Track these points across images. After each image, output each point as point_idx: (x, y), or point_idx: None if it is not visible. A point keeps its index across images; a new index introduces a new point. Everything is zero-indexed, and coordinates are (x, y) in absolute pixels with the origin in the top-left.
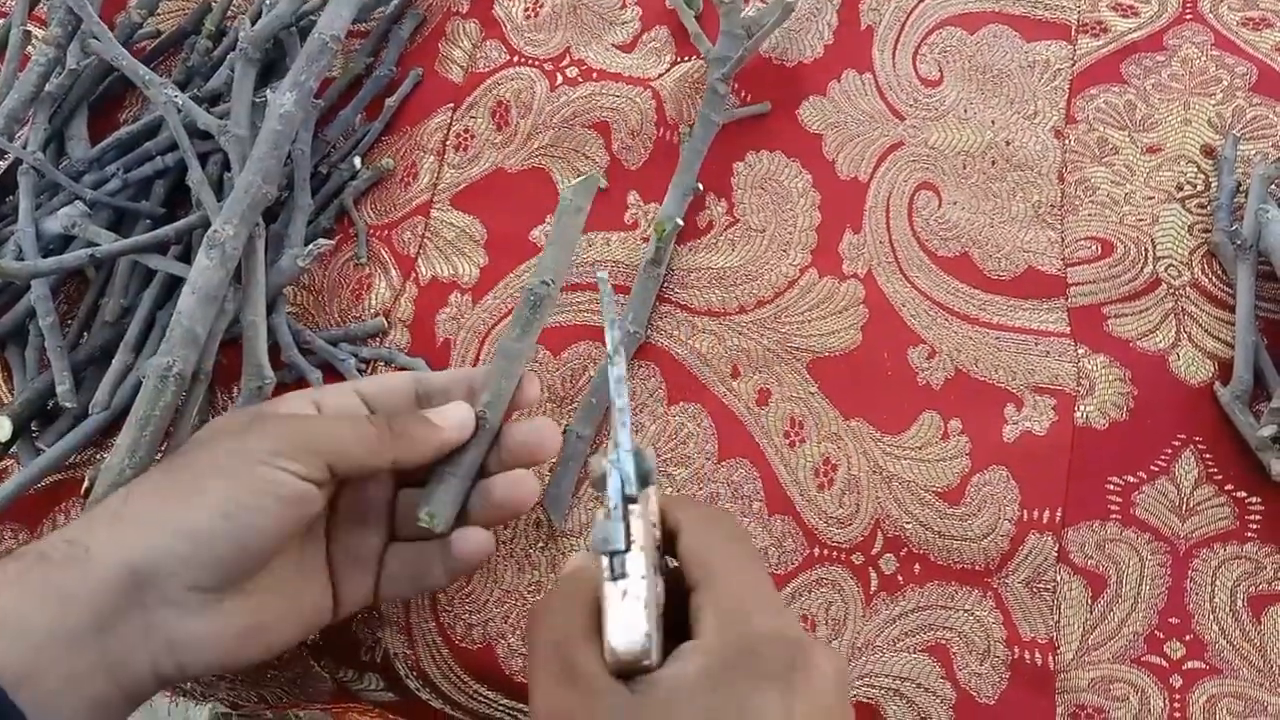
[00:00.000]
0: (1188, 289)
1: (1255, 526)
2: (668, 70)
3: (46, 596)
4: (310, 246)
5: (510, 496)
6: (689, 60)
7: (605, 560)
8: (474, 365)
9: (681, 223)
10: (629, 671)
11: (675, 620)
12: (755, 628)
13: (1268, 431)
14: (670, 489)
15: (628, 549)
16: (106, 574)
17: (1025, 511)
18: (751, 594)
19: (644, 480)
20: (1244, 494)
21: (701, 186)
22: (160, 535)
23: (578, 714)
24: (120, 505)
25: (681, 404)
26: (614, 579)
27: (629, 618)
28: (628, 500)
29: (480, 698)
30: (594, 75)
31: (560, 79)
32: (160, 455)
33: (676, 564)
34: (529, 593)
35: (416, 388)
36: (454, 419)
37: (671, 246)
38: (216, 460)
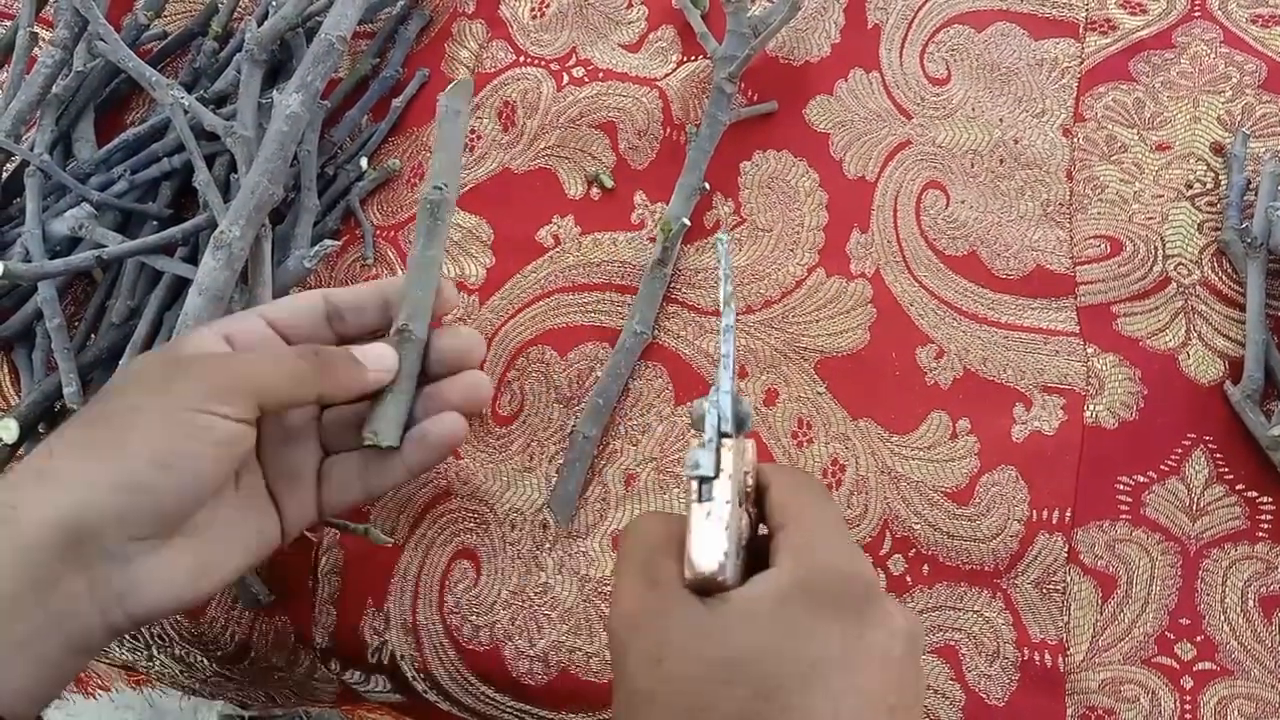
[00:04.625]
0: (1197, 287)
1: (1266, 526)
2: (674, 70)
3: None
4: (317, 247)
5: (443, 437)
6: (695, 60)
7: (694, 484)
8: (480, 369)
9: (688, 223)
10: (706, 588)
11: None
12: (831, 563)
13: (1279, 430)
14: (676, 489)
15: (716, 476)
16: (39, 534)
17: (1035, 512)
18: (829, 535)
19: (740, 423)
20: (1255, 494)
21: (708, 186)
22: (93, 491)
23: (653, 618)
24: (44, 462)
25: (688, 404)
26: (700, 501)
27: (710, 537)
28: (721, 435)
29: (487, 699)
30: (600, 75)
31: (566, 79)
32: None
33: (766, 532)
34: (536, 595)
35: (325, 305)
36: (378, 360)
37: (678, 246)
38: (143, 409)
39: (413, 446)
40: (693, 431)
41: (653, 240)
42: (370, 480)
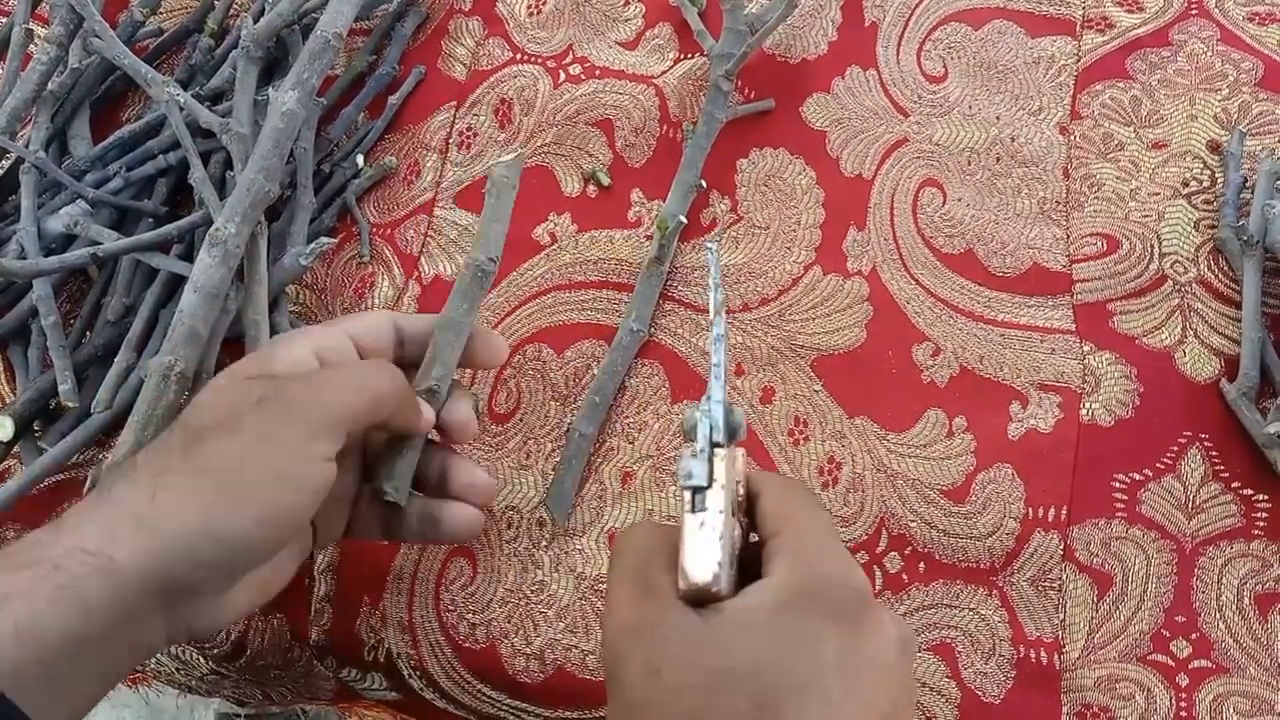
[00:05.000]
0: (1194, 285)
1: (1262, 524)
2: (671, 67)
3: (68, 608)
4: (313, 245)
5: (455, 527)
6: (692, 58)
7: (687, 494)
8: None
9: (684, 220)
10: (700, 599)
11: (748, 580)
12: (825, 571)
13: (1274, 428)
14: (672, 487)
15: (709, 485)
16: (137, 586)
17: (1030, 509)
18: (824, 544)
19: (732, 433)
20: (1250, 491)
21: (705, 184)
22: (195, 549)
23: (648, 628)
24: (146, 508)
25: (685, 402)
26: (693, 511)
27: (704, 547)
28: (714, 445)
29: (484, 697)
30: (597, 73)
31: (563, 76)
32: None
33: (756, 539)
34: (532, 592)
35: (395, 330)
36: (429, 413)
37: (675, 244)
38: (251, 459)
39: (424, 523)
40: (684, 437)
41: (649, 238)
42: (389, 525)
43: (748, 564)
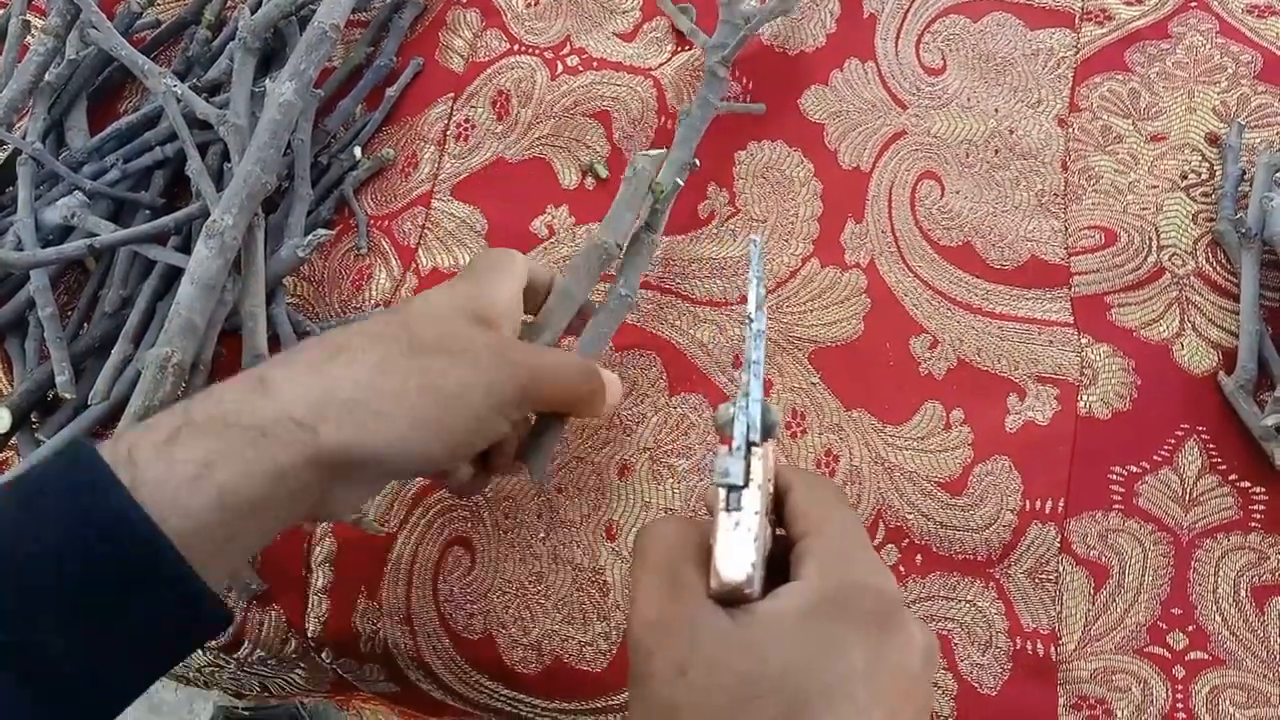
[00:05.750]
0: (1192, 278)
1: (1259, 517)
2: (668, 59)
3: (268, 479)
4: (310, 236)
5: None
6: (689, 50)
7: (722, 493)
8: None
9: (680, 183)
10: (730, 599)
11: (778, 581)
12: (855, 577)
13: (1272, 421)
14: (670, 479)
15: (745, 485)
16: (328, 459)
17: (1028, 502)
18: (854, 548)
19: (767, 431)
20: (1247, 484)
21: (699, 163)
22: (396, 449)
23: (677, 627)
24: (354, 392)
25: (683, 394)
26: (728, 510)
27: (738, 547)
28: (750, 444)
29: (481, 688)
30: (594, 64)
31: (561, 68)
32: None
33: (784, 532)
34: (530, 583)
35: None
36: (616, 392)
37: (668, 211)
38: (463, 391)
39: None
40: (718, 434)
41: None
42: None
43: (774, 560)
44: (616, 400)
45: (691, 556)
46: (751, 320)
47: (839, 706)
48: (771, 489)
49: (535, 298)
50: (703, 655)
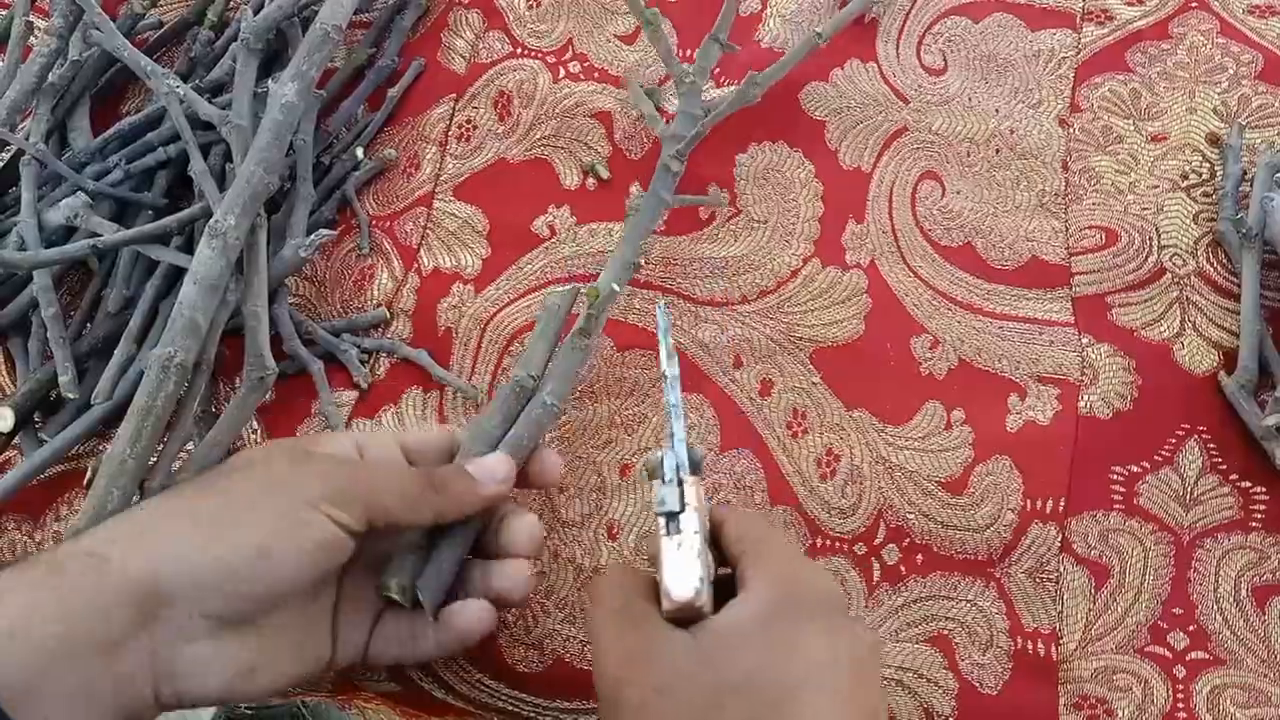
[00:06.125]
0: (1192, 278)
1: (1260, 517)
2: None
3: (58, 608)
4: (312, 237)
5: (466, 629)
6: (690, 54)
7: (662, 521)
8: (475, 354)
9: (617, 289)
10: (684, 617)
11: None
12: (800, 577)
13: (1273, 421)
14: None
15: (682, 509)
16: (125, 586)
17: (1028, 501)
18: (794, 557)
19: (695, 466)
20: (1248, 484)
21: (642, 262)
22: (188, 557)
23: (640, 653)
24: (148, 520)
25: (684, 395)
26: (669, 535)
27: (684, 566)
28: (681, 479)
29: (482, 687)
30: (595, 75)
31: (563, 73)
32: (178, 467)
33: (725, 570)
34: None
35: (453, 444)
36: (490, 473)
37: (604, 317)
38: (256, 494)
39: (441, 624)
40: (649, 476)
41: None
42: (408, 646)
43: (719, 586)
44: (554, 478)
45: (641, 592)
46: (665, 371)
47: (812, 698)
48: (707, 522)
49: (431, 461)
50: (670, 675)
